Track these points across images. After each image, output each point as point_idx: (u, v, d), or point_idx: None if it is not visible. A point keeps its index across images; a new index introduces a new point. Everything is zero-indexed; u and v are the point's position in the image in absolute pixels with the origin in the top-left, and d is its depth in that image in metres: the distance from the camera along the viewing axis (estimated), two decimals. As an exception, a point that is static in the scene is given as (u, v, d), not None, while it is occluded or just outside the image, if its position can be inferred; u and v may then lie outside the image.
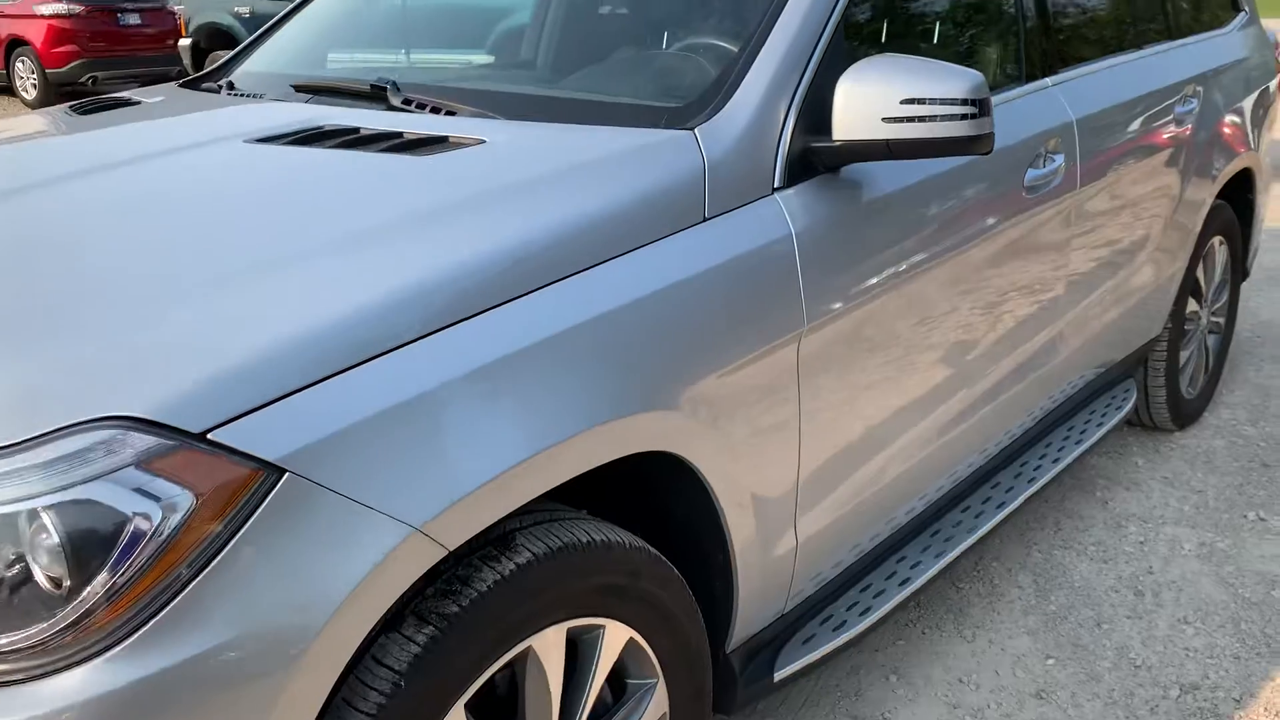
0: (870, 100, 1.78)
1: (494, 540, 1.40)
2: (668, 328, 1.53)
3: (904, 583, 2.24)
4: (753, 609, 1.84)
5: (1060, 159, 2.44)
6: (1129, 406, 3.11)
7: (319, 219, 1.47)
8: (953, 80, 1.77)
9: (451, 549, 1.26)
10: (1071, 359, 2.79)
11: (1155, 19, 3.18)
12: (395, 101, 1.97)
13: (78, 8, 11.77)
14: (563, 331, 1.40)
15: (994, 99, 2.33)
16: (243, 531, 1.13)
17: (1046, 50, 2.58)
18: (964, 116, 1.77)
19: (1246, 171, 3.64)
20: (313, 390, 1.18)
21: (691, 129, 1.72)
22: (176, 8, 12.59)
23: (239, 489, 1.13)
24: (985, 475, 2.67)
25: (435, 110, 1.92)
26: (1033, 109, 2.41)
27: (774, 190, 1.77)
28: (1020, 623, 2.62)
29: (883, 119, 1.77)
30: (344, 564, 1.17)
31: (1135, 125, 2.81)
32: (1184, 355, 3.54)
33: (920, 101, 1.76)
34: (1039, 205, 2.38)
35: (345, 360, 1.22)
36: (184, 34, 11.63)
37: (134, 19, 12.13)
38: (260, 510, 1.13)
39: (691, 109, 1.78)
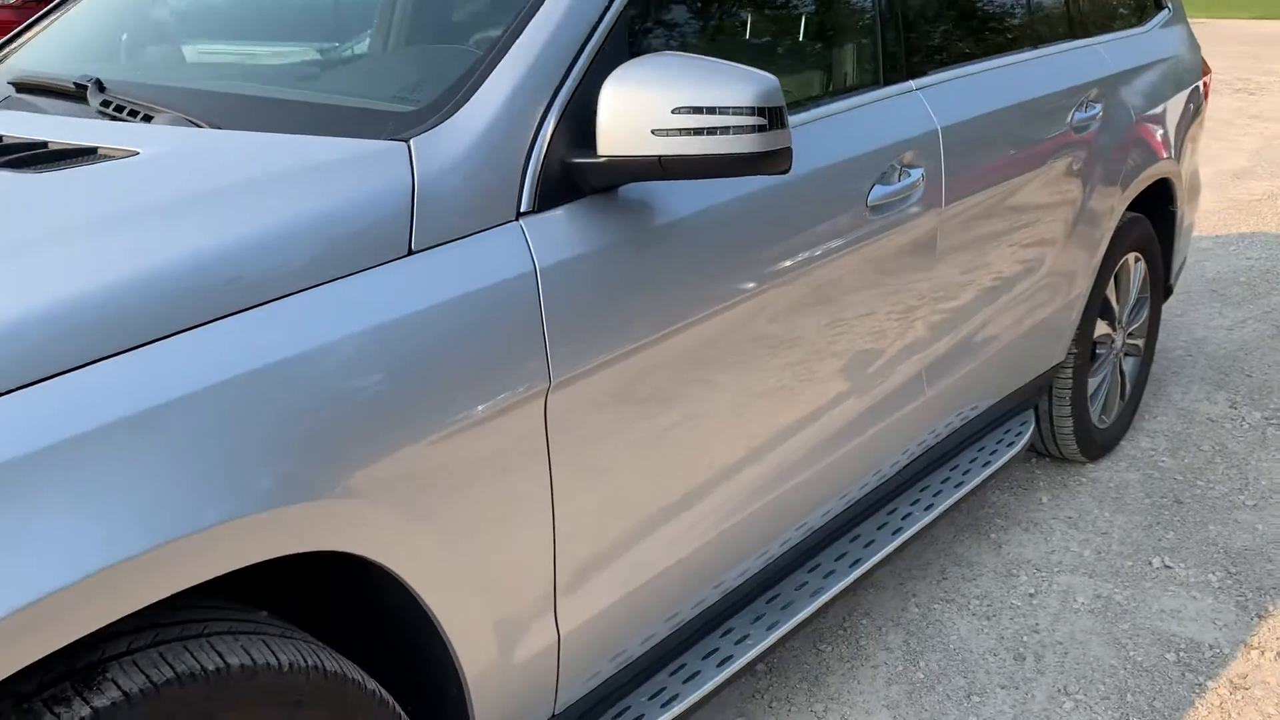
0: (639, 107, 1.47)
1: (75, 674, 1.08)
2: (333, 391, 1.22)
3: (724, 662, 1.94)
4: None
5: (918, 173, 2.14)
6: (1023, 442, 2.82)
7: None
8: (739, 85, 1.46)
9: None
10: (953, 391, 2.50)
11: (1052, 16, 2.88)
12: (95, 103, 1.65)
13: (14, -2, 11.35)
14: (170, 402, 1.08)
15: (838, 104, 2.03)
16: None
17: (913, 49, 2.27)
18: (754, 129, 1.47)
19: (1164, 181, 3.35)
20: None
21: (406, 140, 1.41)
22: None
23: None
24: (847, 524, 2.38)
25: (134, 114, 1.60)
26: (885, 116, 2.11)
27: (519, 215, 1.47)
28: (882, 694, 2.32)
29: (652, 131, 1.47)
30: None
31: (1019, 133, 2.51)
32: (1094, 382, 3.25)
33: (697, 110, 1.46)
34: (889, 226, 2.08)
35: None
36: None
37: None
38: None
39: (420, 114, 1.47)
